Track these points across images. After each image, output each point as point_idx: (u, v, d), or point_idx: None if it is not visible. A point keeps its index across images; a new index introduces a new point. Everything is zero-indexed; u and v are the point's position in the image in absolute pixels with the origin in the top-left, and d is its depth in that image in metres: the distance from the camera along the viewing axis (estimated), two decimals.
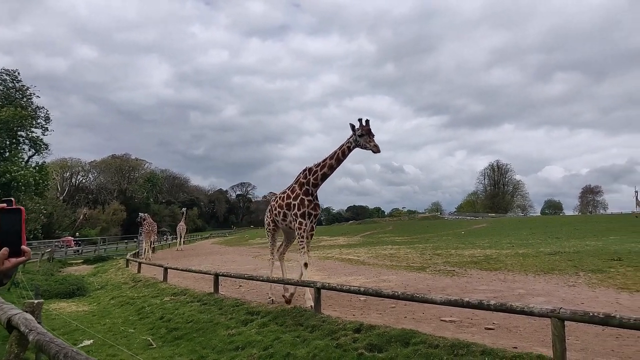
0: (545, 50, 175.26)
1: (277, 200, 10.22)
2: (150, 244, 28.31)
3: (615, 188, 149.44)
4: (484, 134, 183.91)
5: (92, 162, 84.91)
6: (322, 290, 8.48)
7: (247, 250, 33.42)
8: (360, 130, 8.42)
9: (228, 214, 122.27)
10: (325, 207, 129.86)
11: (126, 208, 71.08)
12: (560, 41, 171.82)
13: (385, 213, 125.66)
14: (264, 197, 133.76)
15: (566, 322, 5.09)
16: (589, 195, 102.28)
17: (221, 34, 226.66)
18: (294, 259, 15.12)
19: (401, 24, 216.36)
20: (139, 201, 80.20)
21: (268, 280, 10.37)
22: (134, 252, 29.52)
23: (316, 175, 9.25)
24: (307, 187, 9.35)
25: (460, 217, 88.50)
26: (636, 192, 55.39)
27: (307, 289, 9.20)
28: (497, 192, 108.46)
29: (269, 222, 10.77)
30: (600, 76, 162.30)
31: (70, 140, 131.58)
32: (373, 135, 8.38)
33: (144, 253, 26.98)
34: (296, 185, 9.60)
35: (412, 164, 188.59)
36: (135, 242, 42.73)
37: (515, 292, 10.07)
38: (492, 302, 5.85)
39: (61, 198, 62.34)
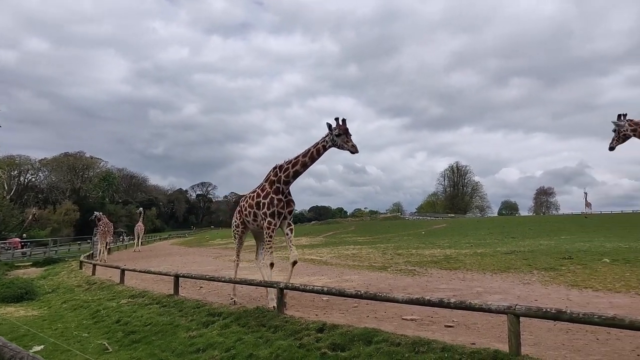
0: (502, 56, 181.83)
1: (247, 200, 9.93)
2: (106, 245, 27.33)
3: (566, 190, 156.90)
4: (444, 136, 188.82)
5: (42, 160, 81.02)
6: (285, 290, 8.44)
7: (207, 251, 32.87)
8: (337, 130, 8.27)
9: (188, 214, 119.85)
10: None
11: (80, 208, 68.33)
12: (516, 47, 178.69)
13: (348, 213, 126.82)
14: (225, 197, 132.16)
15: (521, 318, 5.29)
16: (543, 196, 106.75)
17: (182, 31, 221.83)
18: (251, 259, 14.97)
19: (364, 25, 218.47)
20: (94, 201, 77.29)
21: (230, 281, 10.23)
22: (88, 253, 28.42)
23: (287, 172, 9.03)
24: (278, 185, 9.12)
25: (420, 217, 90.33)
26: (585, 193, 58.43)
27: (270, 289, 9.13)
28: (457, 193, 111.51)
29: (238, 224, 10.47)
30: (552, 82, 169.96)
31: (18, 137, 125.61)
32: (350, 135, 8.26)
33: (99, 254, 26.03)
34: (266, 184, 9.36)
35: (374, 164, 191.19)
36: (89, 243, 41.15)
37: (474, 290, 10.37)
38: (452, 300, 6.00)
39: (8, 197, 59.11)
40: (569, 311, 4.89)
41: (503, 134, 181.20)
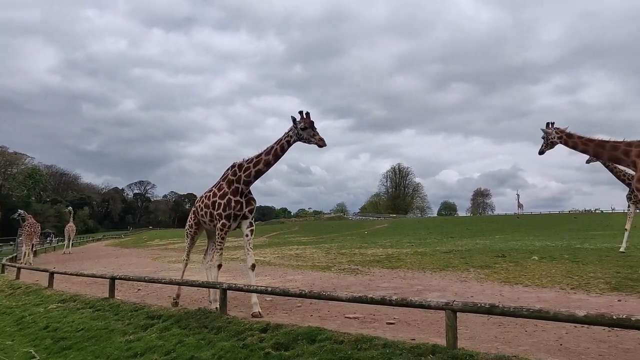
0: (443, 61, 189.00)
1: (203, 200, 9.45)
2: (32, 247, 25.55)
3: (501, 191, 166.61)
4: (387, 137, 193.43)
5: None
6: (228, 291, 8.30)
7: (145, 252, 31.69)
8: (302, 123, 7.90)
9: (124, 214, 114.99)
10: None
11: (1, 207, 63.52)
12: (456, 53, 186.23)
13: (292, 213, 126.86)
14: (164, 196, 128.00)
15: (458, 313, 5.53)
16: (480, 197, 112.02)
17: (120, 21, 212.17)
18: (197, 260, 14.61)
19: (310, 26, 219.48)
20: (18, 200, 72.19)
21: (171, 282, 9.92)
22: (10, 256, 26.52)
23: (249, 172, 8.60)
24: (237, 186, 8.66)
25: (363, 217, 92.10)
26: (518, 195, 61.92)
27: (213, 290, 8.92)
28: (398, 193, 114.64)
29: (192, 224, 10.11)
30: (489, 88, 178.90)
31: None
32: (316, 128, 7.93)
33: (24, 257, 24.37)
34: (224, 183, 8.88)
35: (318, 165, 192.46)
36: (12, 245, 38.33)
37: (414, 288, 10.69)
38: (394, 298, 6.17)
39: None
40: (500, 305, 5.19)
41: (443, 137, 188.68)
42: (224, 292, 8.22)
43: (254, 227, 8.94)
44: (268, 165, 8.53)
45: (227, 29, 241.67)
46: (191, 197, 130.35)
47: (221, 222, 8.66)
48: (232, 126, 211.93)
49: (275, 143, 8.45)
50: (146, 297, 11.31)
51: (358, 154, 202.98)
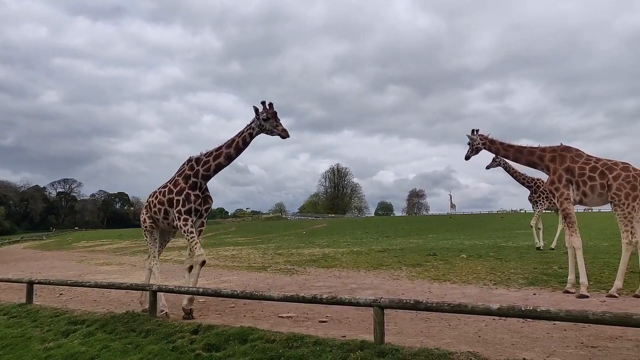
0: (380, 64, 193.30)
1: (157, 196, 8.86)
2: None
3: (435, 192, 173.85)
4: (326, 138, 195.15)
5: None
6: (158, 293, 8.07)
7: (70, 254, 29.91)
8: (265, 114, 7.62)
9: (46, 214, 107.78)
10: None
11: None
12: (393, 57, 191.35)
13: (229, 213, 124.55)
14: (92, 195, 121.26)
15: (386, 310, 5.75)
16: (415, 198, 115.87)
17: (39, 7, 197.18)
18: (115, 261, 14.04)
19: (248, 23, 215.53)
20: None
21: (97, 286, 9.47)
22: None
23: (207, 166, 8.24)
24: (195, 180, 8.30)
25: (302, 217, 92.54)
26: (450, 195, 65.02)
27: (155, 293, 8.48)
28: (337, 194, 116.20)
29: (145, 219, 9.30)
30: (425, 92, 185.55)
31: None
32: (279, 119, 7.67)
33: None
34: (180, 178, 8.45)
35: (257, 164, 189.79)
36: None
37: (348, 287, 10.92)
38: (325, 296, 6.31)
39: None
40: (424, 301, 5.47)
41: (380, 138, 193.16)
42: (153, 294, 7.98)
43: (204, 228, 8.66)
44: (229, 158, 8.24)
45: (160, 22, 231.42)
46: (122, 196, 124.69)
47: (182, 218, 8.19)
48: (166, 122, 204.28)
49: (236, 135, 8.15)
50: (69, 302, 10.69)
51: (297, 154, 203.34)
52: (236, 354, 5.66)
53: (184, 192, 8.25)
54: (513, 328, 6.47)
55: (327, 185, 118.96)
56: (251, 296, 7.10)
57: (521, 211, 71.68)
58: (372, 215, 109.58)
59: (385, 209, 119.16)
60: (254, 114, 7.83)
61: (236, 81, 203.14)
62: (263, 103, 7.73)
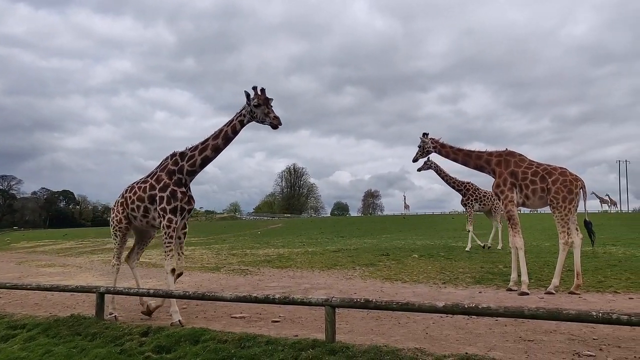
0: (338, 65, 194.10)
1: (136, 192, 8.13)
2: None
3: (390, 192, 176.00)
4: (283, 137, 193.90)
5: None
6: (106, 295, 7.84)
7: (8, 255, 28.25)
8: (256, 100, 7.08)
9: None
10: (111, 207, 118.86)
11: None
12: (350, 58, 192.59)
13: None
14: (34, 193, 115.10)
15: (337, 309, 5.87)
16: (370, 198, 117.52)
17: None
18: (53, 262, 13.51)
19: (203, 19, 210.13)
20: None
21: (38, 288, 9.06)
22: None
23: (193, 160, 7.69)
24: (180, 176, 7.72)
25: (257, 217, 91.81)
26: (404, 196, 66.40)
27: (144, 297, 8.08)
28: (293, 193, 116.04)
29: (121, 219, 8.48)
30: (381, 94, 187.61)
31: None
32: (272, 106, 7.14)
33: None
34: (162, 174, 7.83)
35: (211, 163, 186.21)
36: None
37: (302, 287, 11.00)
38: (277, 296, 6.36)
39: None
40: (374, 300, 5.64)
41: (337, 138, 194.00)
42: (101, 296, 7.76)
43: (187, 230, 8.13)
44: (217, 150, 7.68)
45: (109, 13, 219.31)
46: (66, 194, 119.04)
47: (167, 217, 7.59)
48: (116, 118, 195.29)
49: (225, 125, 7.60)
50: (7, 306, 10.14)
51: (253, 153, 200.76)
52: (187, 355, 5.62)
53: (169, 189, 7.67)
54: (458, 325, 6.76)
55: (283, 185, 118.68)
56: (203, 297, 7.04)
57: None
58: (328, 215, 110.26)
59: (341, 209, 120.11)
60: (246, 99, 7.28)
61: (191, 77, 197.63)
62: (254, 88, 7.21)
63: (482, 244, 17.22)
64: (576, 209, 9.41)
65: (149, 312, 8.16)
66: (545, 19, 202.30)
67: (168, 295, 7.36)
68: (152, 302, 8.14)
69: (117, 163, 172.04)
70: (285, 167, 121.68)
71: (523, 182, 9.59)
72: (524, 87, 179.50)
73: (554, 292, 8.95)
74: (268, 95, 7.19)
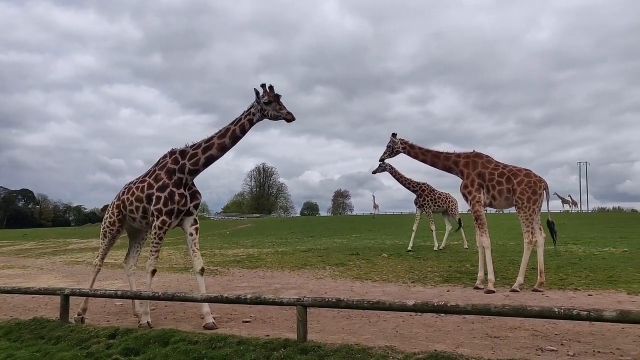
0: (308, 64, 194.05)
1: (134, 192, 7.76)
2: None
3: (359, 192, 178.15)
4: (252, 136, 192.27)
5: None
6: (70, 297, 7.61)
7: None
8: (266, 97, 6.86)
9: None
10: (75, 205, 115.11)
11: None
12: (320, 58, 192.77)
13: None
14: None
15: (309, 309, 5.90)
16: (340, 198, 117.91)
17: None
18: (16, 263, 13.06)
19: (171, 14, 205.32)
20: None
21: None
22: None
23: (196, 159, 7.36)
24: (181, 176, 7.38)
25: (226, 217, 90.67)
26: (374, 196, 67.14)
27: (139, 301, 7.73)
28: (262, 193, 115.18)
29: (114, 221, 8.14)
30: (351, 94, 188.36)
31: None
32: (282, 102, 6.94)
33: None
34: (162, 172, 7.46)
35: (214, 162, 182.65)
36: None
37: (272, 287, 10.98)
38: (249, 297, 6.32)
39: None
40: (345, 299, 5.69)
41: (307, 138, 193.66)
42: (65, 298, 7.51)
43: (198, 226, 7.74)
44: (223, 149, 7.38)
45: (70, 5, 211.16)
46: (25, 193, 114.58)
47: (160, 219, 7.28)
48: (79, 115, 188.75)
49: (231, 123, 7.29)
50: None
51: None
52: (157, 357, 5.51)
53: (168, 190, 7.31)
54: (427, 323, 6.91)
55: (252, 184, 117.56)
56: (173, 298, 6.93)
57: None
58: (298, 215, 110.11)
59: (310, 209, 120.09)
60: (255, 96, 7.05)
61: (157, 74, 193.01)
62: (263, 86, 7.00)
63: (435, 247, 17.26)
64: (540, 209, 9.75)
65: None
66: (510, 24, 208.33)
67: (137, 296, 7.21)
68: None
69: (79, 161, 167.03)
70: (255, 167, 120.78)
71: (490, 183, 9.87)
72: (490, 89, 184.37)
73: (518, 289, 9.25)
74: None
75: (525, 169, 9.98)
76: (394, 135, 11.14)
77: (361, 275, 12.12)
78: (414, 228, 17.92)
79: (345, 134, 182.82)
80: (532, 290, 9.21)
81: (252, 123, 7.19)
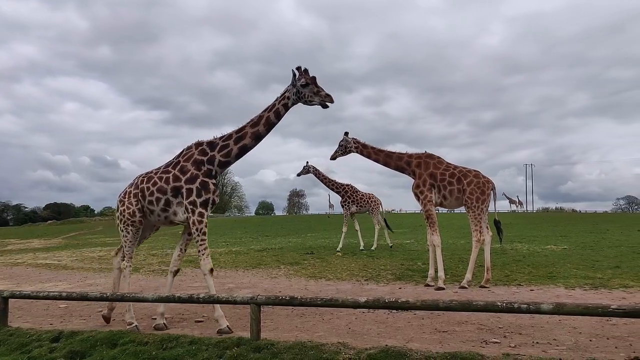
0: (264, 62, 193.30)
1: (156, 182, 7.07)
2: None
3: (315, 192, 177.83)
4: (206, 134, 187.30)
5: None
6: (10, 299, 7.23)
7: None
8: (303, 79, 6.50)
9: None
10: (14, 204, 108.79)
11: None
12: (276, 56, 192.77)
13: (96, 212, 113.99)
14: None
15: (263, 307, 5.90)
16: (295, 197, 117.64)
17: None
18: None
19: (120, 5, 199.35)
20: None
21: None
22: None
23: (227, 150, 6.87)
24: (210, 167, 6.89)
25: None
26: (329, 196, 67.33)
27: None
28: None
29: (134, 211, 7.24)
30: None
31: None
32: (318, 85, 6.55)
33: None
34: (188, 164, 6.92)
35: (128, 159, 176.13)
36: None
37: (226, 286, 10.86)
38: (201, 296, 6.25)
39: None
40: (299, 297, 5.73)
41: None
42: (4, 300, 7.12)
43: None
44: (258, 138, 6.93)
45: None
46: None
47: (198, 212, 6.72)
48: (18, 108, 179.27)
49: (265, 111, 6.90)
50: None
51: (174, 149, 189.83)
52: (105, 358, 5.35)
53: (199, 180, 6.79)
54: (379, 319, 7.06)
55: None
56: (122, 298, 6.72)
57: (392, 211, 77.40)
58: (253, 214, 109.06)
59: (265, 208, 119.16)
60: (291, 78, 6.72)
61: (106, 67, 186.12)
62: (298, 68, 6.68)
63: (361, 247, 17.44)
64: (487, 209, 10.18)
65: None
66: (462, 28, 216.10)
67: (83, 297, 6.94)
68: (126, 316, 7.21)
69: (19, 157, 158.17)
70: None
71: (441, 183, 10.20)
72: (443, 91, 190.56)
73: (467, 286, 9.61)
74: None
75: (475, 170, 10.39)
76: (346, 134, 11.27)
77: (315, 274, 12.19)
78: (344, 230, 18.11)
79: (301, 133, 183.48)
80: (480, 287, 9.60)
81: (287, 108, 6.91)
